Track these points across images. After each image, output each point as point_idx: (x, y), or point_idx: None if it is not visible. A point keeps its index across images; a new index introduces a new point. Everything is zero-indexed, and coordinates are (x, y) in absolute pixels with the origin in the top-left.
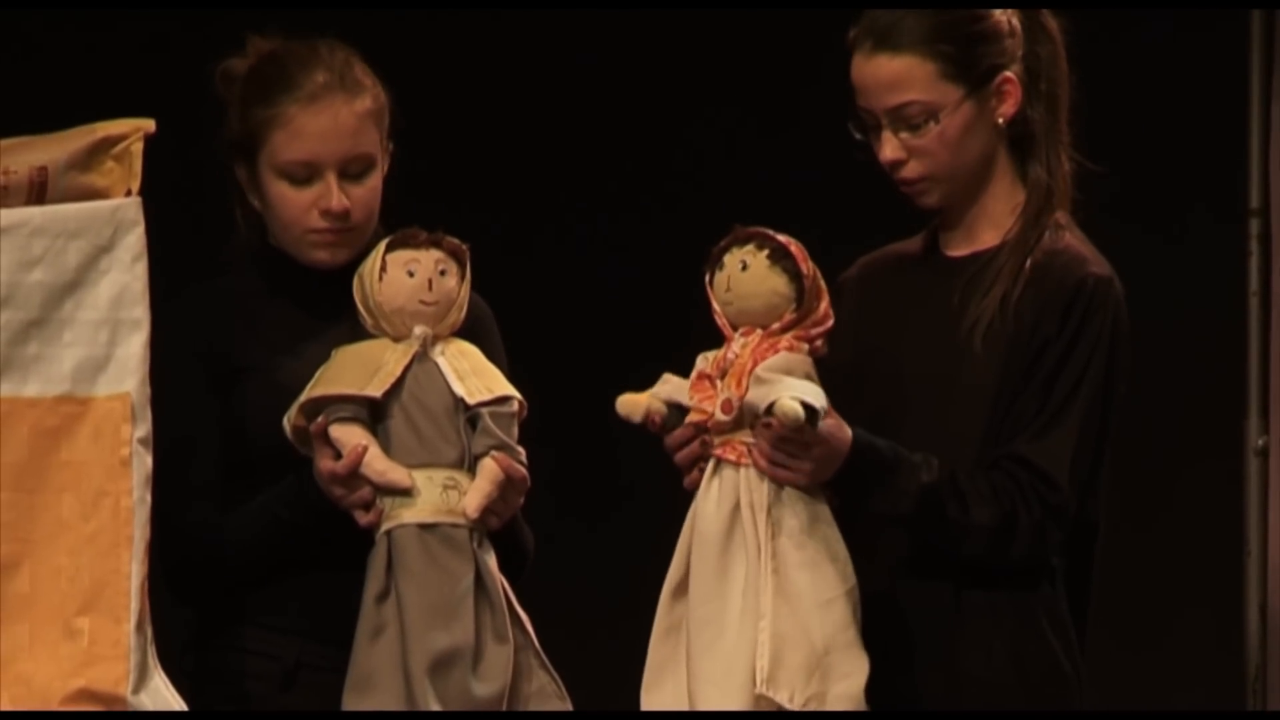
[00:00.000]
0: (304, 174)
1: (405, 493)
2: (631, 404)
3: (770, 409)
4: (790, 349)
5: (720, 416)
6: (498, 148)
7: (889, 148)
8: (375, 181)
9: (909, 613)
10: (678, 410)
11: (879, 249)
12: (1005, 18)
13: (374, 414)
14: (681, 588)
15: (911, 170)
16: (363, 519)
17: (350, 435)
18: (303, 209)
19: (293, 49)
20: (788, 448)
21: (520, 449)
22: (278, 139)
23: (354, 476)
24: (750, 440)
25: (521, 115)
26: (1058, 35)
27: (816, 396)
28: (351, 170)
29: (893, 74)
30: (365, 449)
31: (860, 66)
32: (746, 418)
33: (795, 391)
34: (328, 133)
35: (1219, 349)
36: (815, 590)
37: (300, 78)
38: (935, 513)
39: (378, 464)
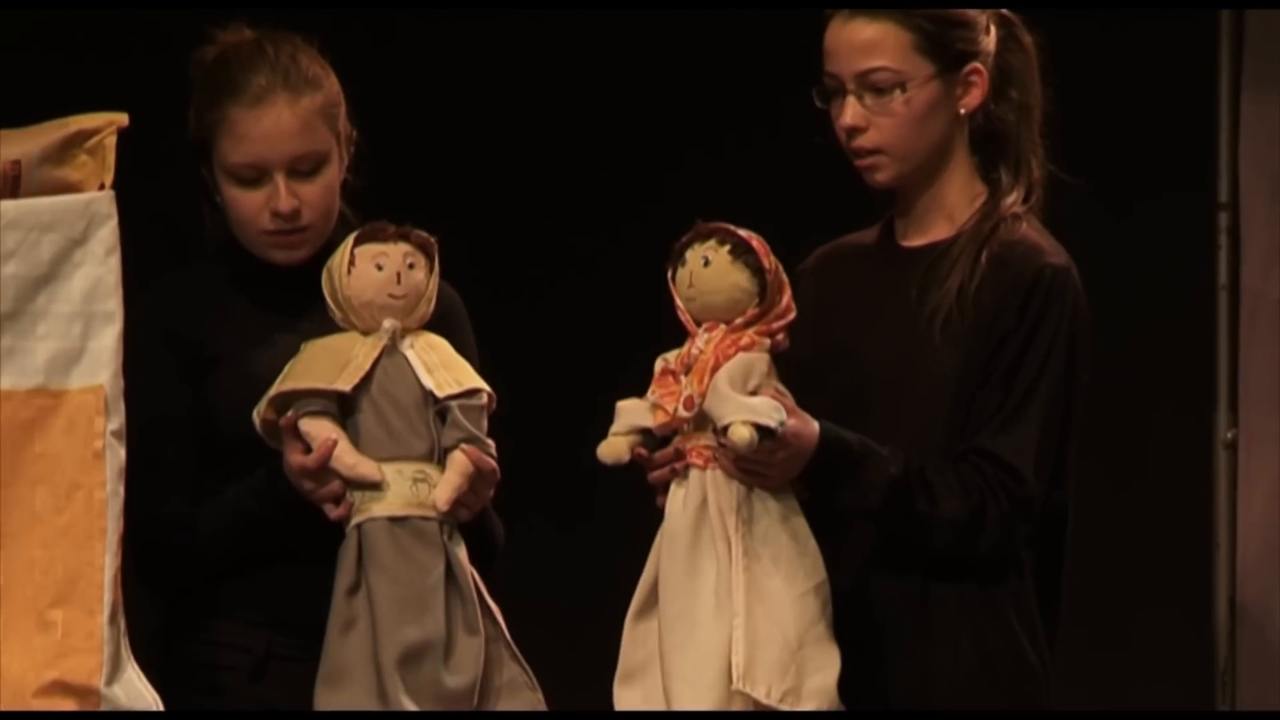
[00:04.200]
0: (252, 176)
1: (375, 486)
2: (614, 449)
3: (726, 432)
4: (751, 345)
5: (683, 413)
6: (467, 141)
7: (849, 113)
8: (329, 178)
9: (878, 607)
10: (647, 433)
11: (833, 240)
12: (984, 17)
13: (343, 407)
14: (653, 593)
15: (868, 139)
16: (333, 513)
17: (320, 429)
18: (254, 211)
19: (240, 49)
20: (750, 465)
21: (490, 441)
22: (225, 143)
23: (323, 470)
24: (713, 444)
25: (490, 109)
26: (1032, 49)
27: (770, 413)
28: (301, 168)
29: (868, 38)
30: (335, 443)
31: (836, 30)
32: (708, 419)
33: (746, 414)
34: (271, 134)
35: (1188, 342)
36: (787, 585)
37: (242, 80)
38: (903, 506)
39: (347, 458)
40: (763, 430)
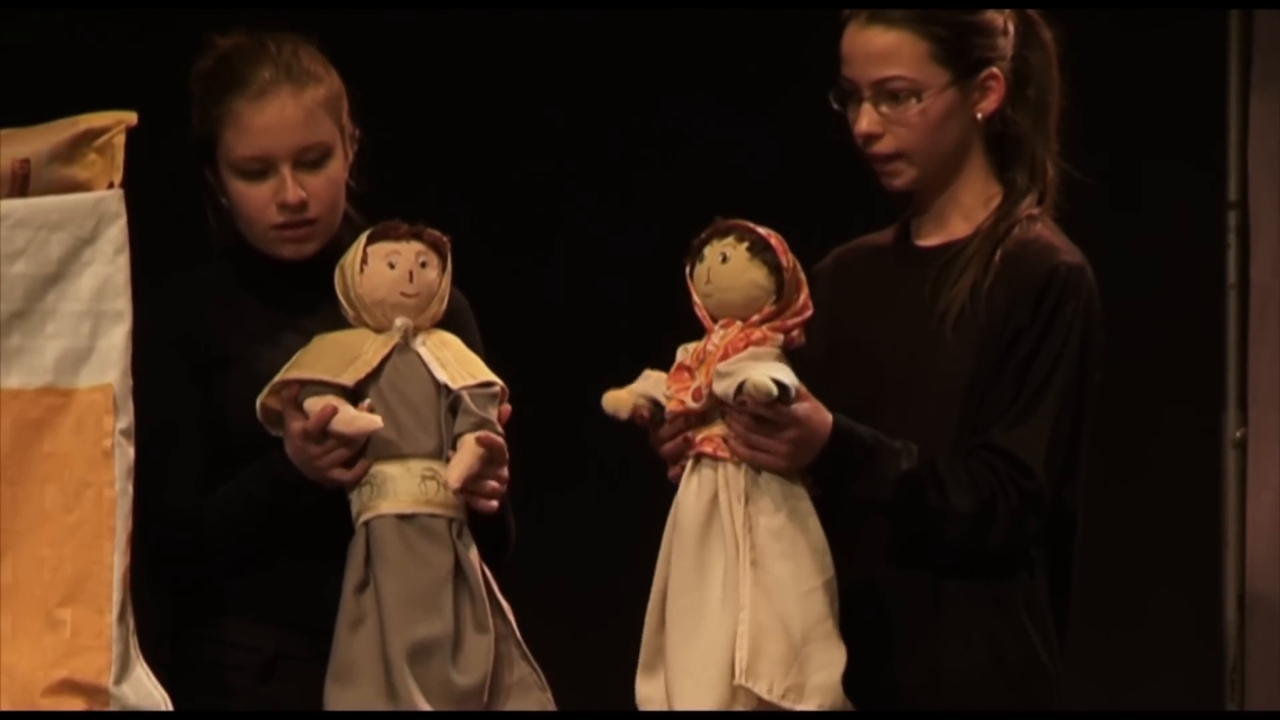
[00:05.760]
0: (258, 169)
1: (380, 459)
2: (617, 401)
3: (742, 387)
4: (763, 340)
5: (690, 404)
6: (477, 140)
7: (866, 120)
8: (334, 170)
9: (888, 603)
10: (660, 406)
11: (852, 240)
12: (1001, 18)
13: (353, 404)
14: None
15: (885, 145)
16: (344, 476)
17: (322, 403)
18: (261, 205)
19: (242, 47)
20: (763, 429)
21: (500, 428)
22: (229, 137)
23: (324, 435)
24: (723, 432)
25: (500, 108)
26: (1051, 45)
27: (786, 374)
28: (307, 159)
29: (884, 46)
30: (335, 408)
31: (853, 36)
32: (715, 408)
33: (765, 370)
34: (275, 126)
35: (1197, 341)
36: (794, 582)
37: (246, 75)
38: (915, 500)
39: (345, 415)
40: (780, 384)
